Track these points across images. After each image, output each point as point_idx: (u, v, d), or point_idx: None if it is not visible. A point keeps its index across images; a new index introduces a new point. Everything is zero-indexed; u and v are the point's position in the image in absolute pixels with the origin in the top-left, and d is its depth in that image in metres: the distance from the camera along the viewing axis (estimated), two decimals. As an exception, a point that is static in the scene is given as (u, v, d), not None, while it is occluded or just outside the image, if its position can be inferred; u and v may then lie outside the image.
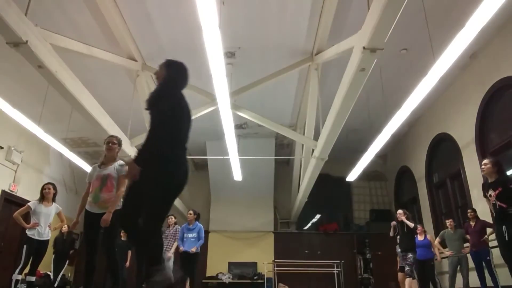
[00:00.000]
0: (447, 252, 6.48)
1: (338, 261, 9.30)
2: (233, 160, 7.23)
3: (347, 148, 9.02)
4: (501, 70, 5.70)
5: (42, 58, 3.93)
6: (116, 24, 5.47)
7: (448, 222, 6.47)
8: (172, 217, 6.81)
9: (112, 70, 6.64)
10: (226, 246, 10.05)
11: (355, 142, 9.16)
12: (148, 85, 6.81)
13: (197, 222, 6.75)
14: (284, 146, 10.41)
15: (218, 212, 10.49)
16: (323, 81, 6.61)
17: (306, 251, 9.87)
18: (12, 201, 7.96)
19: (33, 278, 5.40)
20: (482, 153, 6.27)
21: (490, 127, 6.28)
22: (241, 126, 8.92)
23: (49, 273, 8.57)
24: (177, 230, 6.74)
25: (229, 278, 9.43)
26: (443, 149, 7.88)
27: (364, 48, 3.62)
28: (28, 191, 8.43)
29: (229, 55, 6.24)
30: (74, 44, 4.88)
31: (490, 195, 4.25)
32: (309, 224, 11.16)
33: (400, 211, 6.50)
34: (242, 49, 6.20)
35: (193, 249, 6.37)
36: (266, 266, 9.46)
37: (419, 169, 8.77)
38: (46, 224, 5.34)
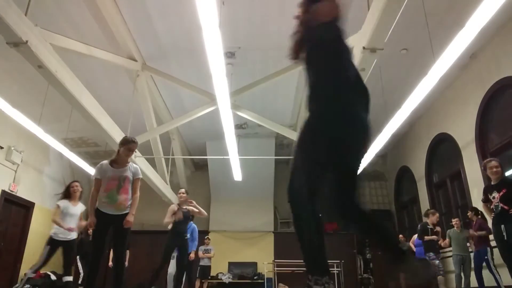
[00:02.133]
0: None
1: (338, 261, 9.30)
2: (233, 160, 7.24)
3: (347, 148, 9.01)
4: (501, 70, 5.70)
5: (42, 58, 3.93)
6: (116, 24, 5.47)
7: (454, 221, 6.45)
8: None
9: (112, 70, 6.65)
10: (226, 246, 10.05)
11: (355, 142, 9.14)
12: (148, 85, 6.81)
13: (191, 222, 6.76)
14: (284, 146, 10.41)
15: (218, 212, 10.49)
16: (323, 81, 6.60)
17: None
18: (12, 201, 7.96)
19: (70, 278, 5.22)
20: (482, 153, 6.27)
21: (490, 127, 6.27)
22: (241, 126, 8.92)
23: (49, 273, 8.57)
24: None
25: (229, 278, 9.43)
26: (443, 149, 7.88)
27: (364, 48, 3.62)
28: (28, 191, 8.44)
29: (229, 55, 6.24)
30: (74, 44, 4.88)
31: (494, 197, 4.24)
32: (309, 224, 11.15)
33: (437, 214, 6.53)
34: (242, 49, 6.20)
35: (192, 255, 6.41)
36: (266, 266, 9.46)
37: (419, 169, 8.77)
38: (75, 223, 5.15)
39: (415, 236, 7.10)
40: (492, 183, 4.37)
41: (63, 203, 5.10)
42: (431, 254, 6.20)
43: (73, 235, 5.15)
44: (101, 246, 3.69)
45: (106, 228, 3.65)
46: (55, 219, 5.00)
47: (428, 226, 6.38)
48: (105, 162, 3.88)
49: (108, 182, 3.73)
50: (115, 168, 3.80)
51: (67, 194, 5.17)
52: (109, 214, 3.64)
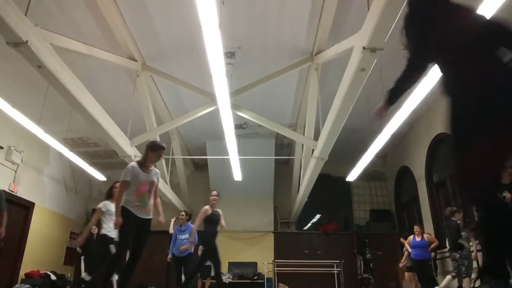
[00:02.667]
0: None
1: (338, 261, 9.31)
2: (233, 160, 7.24)
3: (347, 148, 9.02)
4: (501, 70, 5.69)
5: (42, 58, 3.93)
6: (116, 24, 5.47)
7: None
8: (184, 213, 6.99)
9: (112, 70, 6.65)
10: (226, 246, 10.00)
11: (355, 142, 9.15)
12: (148, 85, 6.81)
13: (189, 223, 6.78)
14: (284, 146, 10.41)
15: (218, 212, 10.49)
16: (323, 81, 6.60)
17: (306, 251, 9.86)
18: (12, 201, 7.96)
19: (89, 278, 5.20)
20: (482, 153, 6.25)
21: (490, 127, 6.26)
22: (241, 126, 8.92)
23: (49, 273, 8.57)
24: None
25: (229, 278, 9.43)
26: (443, 149, 7.88)
27: (364, 48, 3.62)
28: (28, 191, 8.43)
29: (229, 55, 6.24)
30: (74, 44, 4.88)
31: (505, 197, 4.25)
32: (309, 224, 11.15)
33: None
34: (242, 49, 6.20)
35: (183, 247, 6.39)
36: (266, 266, 9.46)
37: (419, 169, 8.77)
38: None
39: (411, 237, 7.09)
40: (503, 182, 4.35)
41: (105, 204, 5.15)
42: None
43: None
44: (127, 248, 3.75)
45: (133, 230, 3.70)
46: (92, 223, 5.12)
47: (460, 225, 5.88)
48: (135, 165, 3.85)
49: (139, 186, 3.75)
50: (145, 172, 3.83)
51: (110, 194, 5.21)
52: (138, 217, 3.70)
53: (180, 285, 6.18)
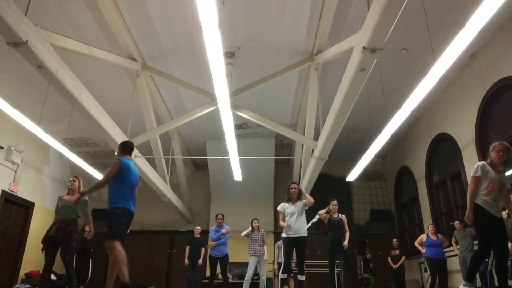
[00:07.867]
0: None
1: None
2: (233, 160, 7.23)
3: (347, 148, 9.02)
4: (501, 70, 5.70)
5: (42, 58, 3.93)
6: (116, 24, 5.47)
7: (456, 223, 6.44)
8: (257, 221, 7.33)
9: (112, 70, 6.65)
10: (226, 246, 10.04)
11: (355, 142, 9.16)
12: (148, 85, 6.81)
13: (223, 224, 6.98)
14: (284, 146, 10.41)
15: (218, 212, 10.46)
16: (323, 81, 6.61)
17: (306, 251, 9.84)
18: (12, 201, 7.96)
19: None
20: (482, 153, 6.26)
21: (490, 127, 6.27)
22: (241, 126, 8.92)
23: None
24: (264, 234, 7.35)
25: (229, 278, 9.42)
26: (443, 149, 7.88)
27: (364, 48, 3.62)
28: (28, 191, 8.43)
29: (229, 55, 6.24)
30: (74, 44, 4.88)
31: None
32: (309, 224, 11.13)
33: None
34: (242, 49, 6.20)
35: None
36: (266, 266, 9.45)
37: (419, 169, 8.77)
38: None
39: (423, 236, 7.01)
40: None
41: (283, 206, 5.44)
42: None
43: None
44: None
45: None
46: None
47: None
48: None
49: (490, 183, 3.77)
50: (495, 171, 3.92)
51: (289, 196, 5.47)
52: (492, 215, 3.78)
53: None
